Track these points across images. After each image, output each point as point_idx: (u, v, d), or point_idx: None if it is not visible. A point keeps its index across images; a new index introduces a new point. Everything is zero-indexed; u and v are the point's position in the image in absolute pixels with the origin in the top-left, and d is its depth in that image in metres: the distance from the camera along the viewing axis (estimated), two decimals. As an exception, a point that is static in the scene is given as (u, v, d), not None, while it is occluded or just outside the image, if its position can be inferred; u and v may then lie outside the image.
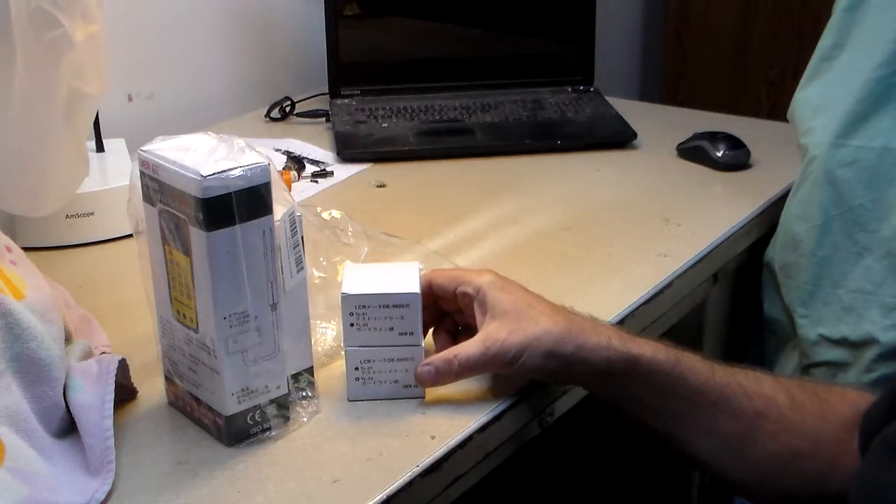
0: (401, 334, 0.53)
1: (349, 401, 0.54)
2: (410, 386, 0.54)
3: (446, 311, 0.57)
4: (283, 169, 0.90)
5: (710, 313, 0.81)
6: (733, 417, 0.49)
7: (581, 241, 0.76)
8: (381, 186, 0.89)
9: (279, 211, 0.50)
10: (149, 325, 0.55)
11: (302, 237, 0.53)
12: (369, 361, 0.54)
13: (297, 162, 0.92)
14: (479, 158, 0.95)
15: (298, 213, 0.52)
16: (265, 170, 0.50)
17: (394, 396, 0.54)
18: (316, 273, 0.61)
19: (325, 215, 0.68)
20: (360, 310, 0.53)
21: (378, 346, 0.53)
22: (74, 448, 0.48)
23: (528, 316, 0.51)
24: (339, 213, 0.68)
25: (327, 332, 0.59)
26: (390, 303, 0.53)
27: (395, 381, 0.54)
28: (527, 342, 0.51)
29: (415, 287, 0.54)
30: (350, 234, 0.67)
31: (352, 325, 0.53)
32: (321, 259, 0.62)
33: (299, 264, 0.53)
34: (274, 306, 0.51)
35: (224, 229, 0.48)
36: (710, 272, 0.77)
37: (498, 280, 0.54)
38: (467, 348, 0.52)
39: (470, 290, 0.54)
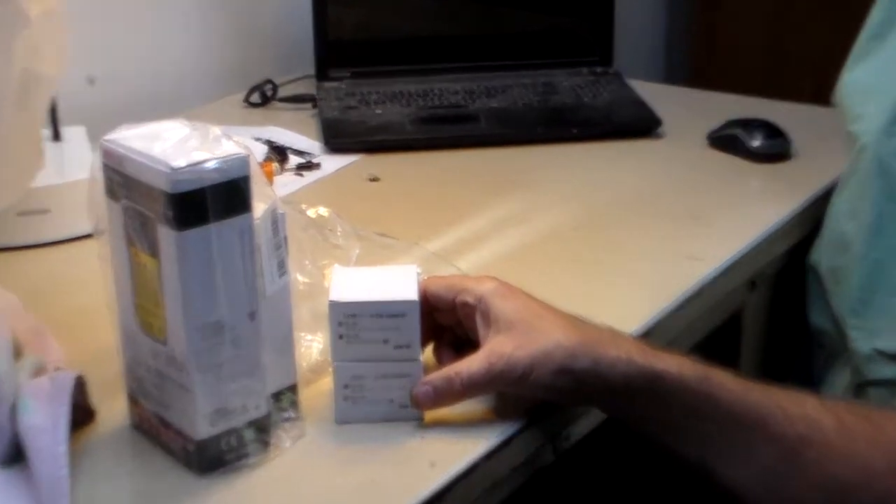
0: (396, 348, 0.53)
1: (338, 423, 0.54)
2: (407, 406, 0.53)
3: (443, 324, 0.57)
4: (264, 160, 0.90)
5: (746, 324, 0.81)
6: (772, 443, 0.49)
7: (598, 243, 0.76)
8: (374, 180, 0.88)
9: (259, 208, 0.50)
10: (110, 338, 0.54)
11: (285, 237, 0.53)
12: (360, 378, 0.54)
13: (279, 153, 0.92)
14: (483, 149, 0.94)
15: (281, 211, 0.52)
16: (244, 161, 0.49)
17: (388, 418, 0.54)
18: (300, 278, 0.61)
19: (312, 213, 0.67)
20: (349, 319, 0.53)
21: (370, 361, 0.54)
22: (22, 478, 0.48)
23: (537, 327, 0.52)
24: (327, 211, 0.68)
25: (313, 346, 0.59)
26: (385, 312, 0.53)
27: (390, 401, 0.54)
28: (536, 357, 0.51)
29: (412, 294, 0.54)
30: (339, 234, 0.67)
31: (341, 336, 0.53)
32: (306, 262, 0.62)
33: (282, 268, 0.53)
34: (253, 315, 0.51)
35: (197, 228, 0.48)
36: (746, 277, 0.77)
37: (502, 288, 0.54)
38: (470, 365, 0.52)
39: (470, 299, 0.54)
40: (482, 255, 0.74)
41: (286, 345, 0.54)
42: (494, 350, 0.52)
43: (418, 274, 0.56)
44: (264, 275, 0.51)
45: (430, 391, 0.52)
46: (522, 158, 0.93)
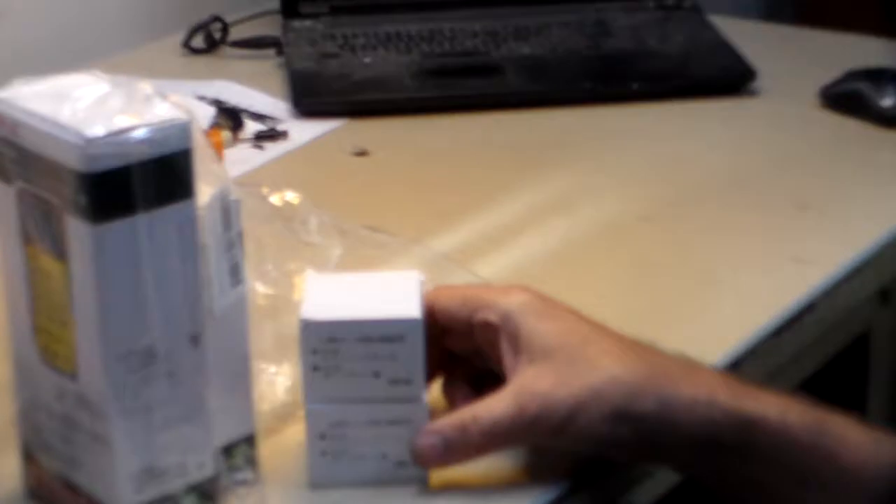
0: (392, 383, 0.54)
1: (312, 487, 0.54)
2: (407, 464, 0.53)
3: (456, 352, 0.57)
4: (211, 128, 0.91)
5: (876, 349, 0.81)
6: None
7: (671, 239, 0.76)
8: (361, 155, 0.89)
9: (205, 193, 0.50)
10: (0, 371, 0.55)
11: (240, 233, 0.53)
12: (343, 426, 0.54)
13: (232, 117, 0.93)
14: (511, 112, 0.94)
15: (235, 197, 0.52)
16: (183, 129, 0.50)
17: (380, 479, 0.54)
18: (261, 289, 0.61)
19: (276, 199, 0.68)
20: (328, 345, 0.53)
21: (357, 403, 0.54)
22: None
23: (584, 356, 0.52)
24: (297, 197, 0.68)
25: (278, 381, 0.60)
26: (376, 334, 0.53)
27: (384, 457, 0.54)
28: (583, 397, 0.52)
29: (414, 310, 0.54)
30: (314, 228, 0.67)
31: (316, 368, 0.54)
32: (269, 267, 0.62)
33: (236, 275, 0.53)
34: (196, 340, 0.51)
35: (120, 221, 0.48)
36: (875, 287, 0.77)
37: (536, 301, 0.55)
38: (492, 408, 0.53)
39: (494, 317, 0.55)
40: (509, 258, 0.74)
41: (241, 380, 0.54)
42: (526, 387, 0.52)
43: (422, 283, 0.56)
44: (212, 284, 0.51)
45: (437, 443, 0.53)
46: (564, 125, 0.93)
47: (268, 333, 0.60)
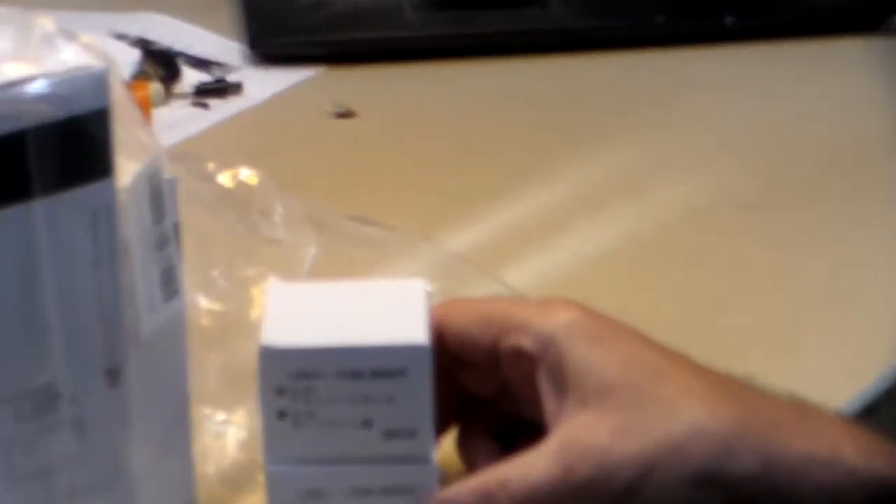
0: (389, 436, 0.54)
1: None
2: None
3: (477, 393, 0.58)
4: (137, 78, 0.92)
5: None
6: None
7: (781, 234, 0.78)
8: (343, 116, 0.90)
9: (128, 170, 0.50)
10: None
11: (176, 226, 0.53)
12: (319, 497, 0.54)
13: (164, 64, 0.94)
14: (555, 57, 0.95)
15: (170, 176, 0.52)
16: (98, 82, 0.50)
17: None
18: (206, 303, 0.61)
19: (226, 179, 0.69)
20: (299, 382, 0.54)
21: (339, 464, 0.54)
22: None
23: (657, 396, 0.53)
24: (256, 175, 0.69)
25: (228, 434, 0.61)
26: (367, 367, 0.53)
27: None
28: (657, 454, 0.52)
29: (419, 333, 0.54)
30: (279, 218, 0.68)
31: (282, 415, 0.54)
32: (216, 273, 0.63)
33: (170, 284, 0.53)
34: (114, 375, 0.51)
35: (8, 208, 0.48)
36: None
37: (587, 321, 0.55)
38: (528, 469, 0.53)
39: (529, 343, 0.55)
40: (549, 261, 0.75)
41: (177, 432, 0.55)
42: (576, 439, 0.53)
43: (429, 295, 0.56)
44: (137, 298, 0.51)
45: None
46: (629, 75, 0.94)
47: (215, 366, 0.60)
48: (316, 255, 0.67)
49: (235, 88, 0.93)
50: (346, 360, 0.53)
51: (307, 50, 0.96)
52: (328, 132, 0.89)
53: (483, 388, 0.57)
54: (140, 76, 0.91)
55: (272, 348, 0.54)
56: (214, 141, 0.87)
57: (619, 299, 0.58)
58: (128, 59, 0.93)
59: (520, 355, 0.55)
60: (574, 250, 0.76)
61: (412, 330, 0.54)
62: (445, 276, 0.70)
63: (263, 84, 0.93)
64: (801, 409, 0.53)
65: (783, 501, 0.51)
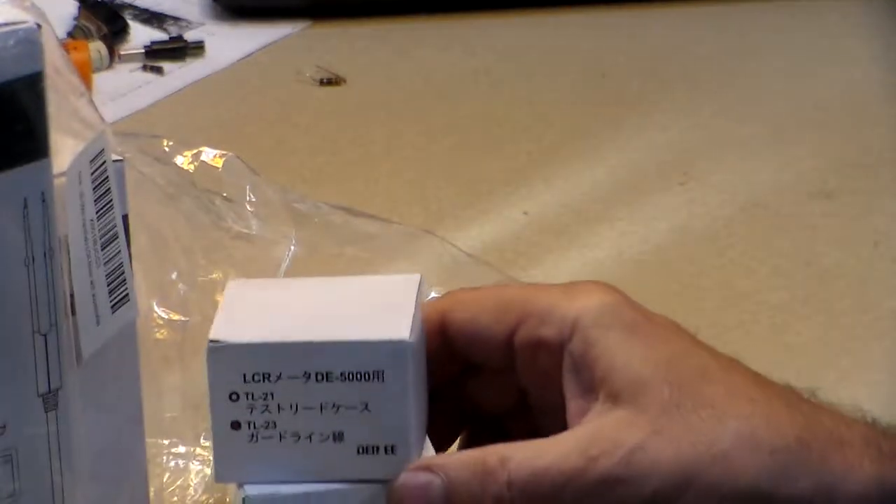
0: (364, 453, 0.54)
1: None
2: None
3: (490, 408, 0.58)
4: (73, 35, 0.92)
5: None
6: None
7: (865, 229, 0.78)
8: (330, 84, 0.90)
9: (66, 150, 0.50)
10: None
11: (125, 218, 0.53)
12: None
13: (107, 17, 0.94)
14: (585, 7, 0.96)
15: (116, 157, 0.52)
16: (28, 40, 0.50)
17: None
18: (162, 313, 0.61)
19: (186, 161, 0.69)
20: (257, 386, 0.54)
21: (303, 485, 0.54)
22: None
23: (702, 398, 0.53)
24: (221, 156, 0.70)
25: (190, 470, 0.62)
26: (335, 366, 0.54)
27: None
28: (696, 462, 0.52)
29: (401, 327, 0.54)
30: (250, 208, 0.69)
31: (236, 426, 0.54)
32: (173, 276, 0.63)
33: (118, 289, 0.54)
34: (51, 400, 0.51)
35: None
36: None
37: (622, 307, 0.56)
38: (539, 451, 0.53)
39: (552, 331, 0.55)
40: (581, 259, 0.75)
41: (128, 467, 0.55)
42: (602, 432, 0.53)
43: (422, 288, 0.56)
44: (77, 306, 0.52)
45: (434, 488, 0.53)
46: (679, 30, 0.94)
47: (173, 388, 0.61)
48: (295, 252, 0.67)
49: (196, 49, 0.92)
50: (311, 359, 0.53)
51: (285, 2, 0.96)
52: (310, 103, 0.89)
53: (496, 398, 0.57)
54: (77, 33, 0.91)
55: (223, 344, 0.54)
56: (171, 114, 0.87)
57: (663, 307, 0.58)
58: (62, 12, 0.93)
59: (540, 347, 0.55)
60: (610, 246, 0.76)
61: (393, 325, 0.54)
62: (452, 277, 0.70)
63: (230, 44, 0.93)
64: (871, 428, 0.53)
65: None
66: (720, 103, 0.88)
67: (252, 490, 0.54)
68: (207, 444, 0.60)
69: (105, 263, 0.53)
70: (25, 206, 0.50)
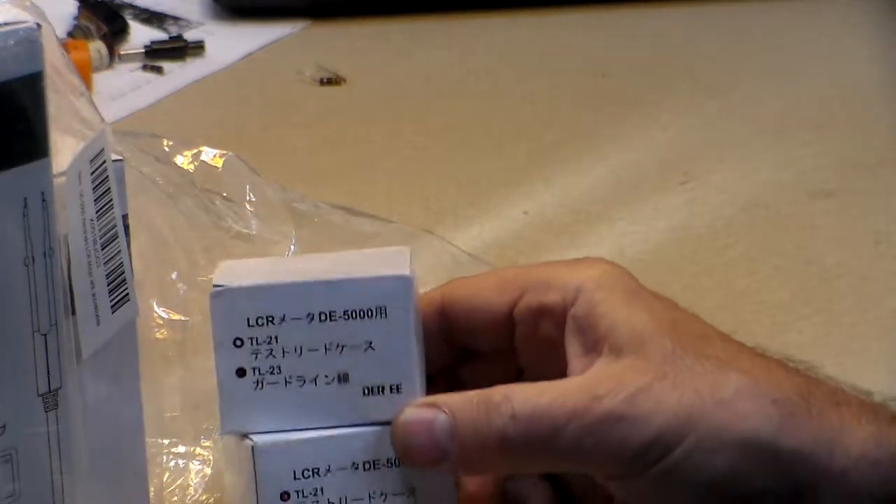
0: (369, 394, 0.54)
1: None
2: None
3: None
4: (73, 35, 0.92)
5: None
6: None
7: (862, 227, 0.78)
8: (329, 83, 0.90)
9: (66, 150, 0.50)
10: None
11: (126, 219, 0.53)
12: (310, 475, 0.55)
13: (107, 17, 0.94)
14: (586, 6, 0.96)
15: (116, 157, 0.52)
16: (28, 40, 0.50)
17: None
18: (162, 313, 0.61)
19: (186, 160, 0.69)
20: (262, 330, 0.54)
21: (310, 431, 0.55)
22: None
23: (703, 353, 0.54)
24: (221, 156, 0.70)
25: (190, 470, 0.62)
26: (338, 305, 0.54)
27: None
28: (700, 406, 0.52)
29: (402, 267, 0.55)
30: (250, 206, 0.68)
31: (241, 373, 0.54)
32: (173, 275, 0.63)
33: (118, 289, 0.54)
34: (52, 400, 0.51)
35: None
36: None
37: (622, 275, 0.57)
38: (543, 388, 0.54)
39: (555, 296, 0.56)
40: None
41: (128, 467, 0.55)
42: (607, 375, 0.53)
43: (410, 257, 0.57)
44: (77, 305, 0.52)
45: (438, 425, 0.53)
46: (681, 29, 0.94)
47: (173, 388, 0.61)
48: (295, 252, 0.67)
49: (196, 49, 0.92)
50: (314, 299, 0.54)
51: (285, 1, 0.96)
52: (310, 102, 0.89)
53: (493, 383, 0.56)
54: (77, 33, 0.91)
55: (226, 288, 0.54)
56: (171, 114, 0.86)
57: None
58: (62, 11, 0.92)
59: (542, 314, 0.56)
60: (611, 246, 0.76)
61: (393, 266, 0.54)
62: (452, 277, 0.68)
63: (230, 43, 0.93)
64: (867, 397, 0.54)
65: (845, 495, 0.52)
66: (721, 103, 0.88)
67: (259, 439, 0.54)
68: (208, 443, 0.61)
69: (105, 263, 0.53)
70: (25, 206, 0.50)
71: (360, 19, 0.96)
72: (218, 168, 0.69)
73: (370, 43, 0.94)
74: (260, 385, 0.54)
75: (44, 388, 0.51)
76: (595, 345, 0.54)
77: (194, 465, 0.61)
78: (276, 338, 0.54)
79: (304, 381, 0.54)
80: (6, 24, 0.48)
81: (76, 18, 0.93)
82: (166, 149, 0.68)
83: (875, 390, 0.59)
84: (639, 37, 0.95)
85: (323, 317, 0.54)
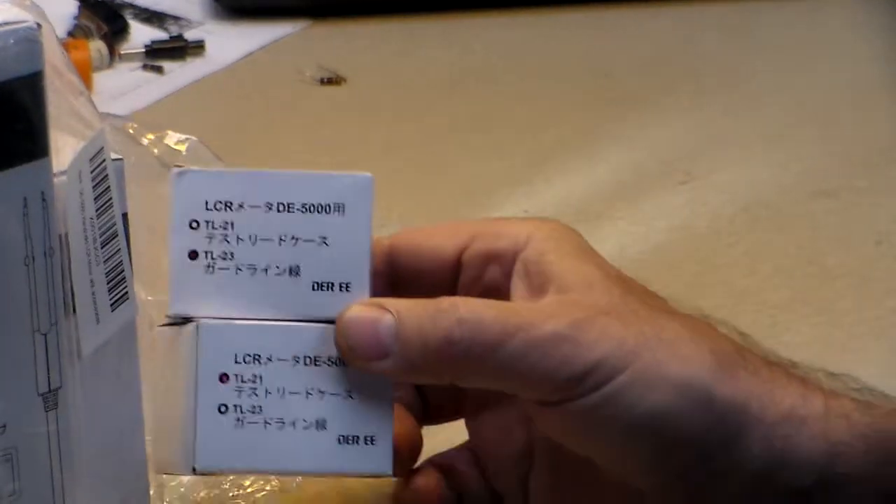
0: (318, 289, 0.55)
1: (198, 472, 0.55)
2: (360, 440, 0.55)
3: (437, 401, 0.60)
4: (73, 34, 0.91)
5: None
6: None
7: (865, 227, 0.78)
8: (329, 83, 0.90)
9: (66, 149, 0.50)
10: None
11: (125, 217, 0.53)
12: (251, 361, 0.55)
13: (107, 16, 0.94)
14: (588, 6, 0.96)
15: (118, 156, 0.53)
16: (28, 39, 0.50)
17: (307, 470, 0.56)
18: (162, 312, 0.59)
19: (149, 143, 0.68)
20: (218, 214, 0.55)
21: (258, 321, 0.55)
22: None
23: (646, 306, 0.55)
24: (185, 140, 0.69)
25: None
26: (297, 198, 0.55)
27: (315, 426, 0.55)
28: (643, 342, 0.53)
29: (363, 175, 0.55)
30: None
31: (194, 256, 0.55)
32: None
33: (118, 287, 0.53)
34: (52, 399, 0.51)
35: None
36: None
37: (573, 233, 0.58)
38: (496, 303, 0.54)
39: (505, 244, 0.57)
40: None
41: (129, 465, 0.55)
42: (556, 302, 0.54)
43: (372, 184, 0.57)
44: (77, 304, 0.51)
45: (383, 324, 0.54)
46: (684, 29, 0.94)
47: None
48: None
49: (196, 48, 0.92)
50: (274, 190, 0.54)
51: (285, 1, 0.96)
52: (310, 102, 0.88)
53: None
54: (77, 33, 0.91)
55: (189, 170, 0.55)
56: (171, 113, 0.86)
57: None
58: (62, 11, 0.92)
59: (491, 259, 0.57)
60: (611, 245, 0.76)
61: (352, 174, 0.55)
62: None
63: (231, 43, 0.93)
64: (763, 361, 0.55)
65: (775, 451, 0.52)
66: (722, 102, 0.88)
67: (204, 319, 0.55)
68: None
69: (105, 262, 0.53)
70: (25, 206, 0.50)
71: (361, 19, 0.95)
72: (182, 153, 0.68)
73: (370, 43, 0.93)
74: (211, 269, 0.55)
75: (44, 388, 0.51)
76: (541, 287, 0.55)
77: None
78: (232, 224, 0.54)
79: (256, 271, 0.54)
80: (6, 23, 0.48)
81: (76, 18, 0.92)
82: (131, 131, 0.68)
83: (875, 390, 0.59)
84: (640, 36, 0.95)
85: (281, 207, 0.54)
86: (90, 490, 0.53)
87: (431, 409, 0.60)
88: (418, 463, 0.58)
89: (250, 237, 0.54)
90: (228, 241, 0.54)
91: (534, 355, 0.52)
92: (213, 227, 0.54)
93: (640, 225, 0.78)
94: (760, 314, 0.72)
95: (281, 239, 0.54)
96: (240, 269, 0.54)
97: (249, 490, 0.61)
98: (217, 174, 0.55)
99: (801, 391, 0.53)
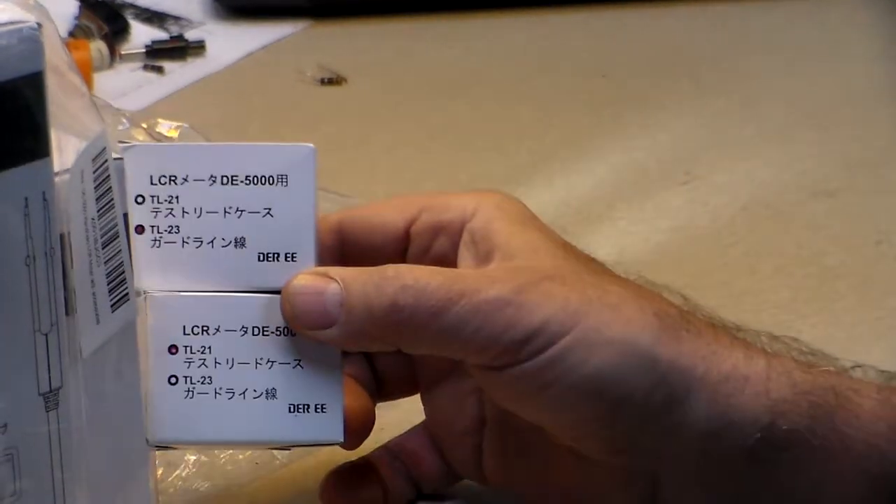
0: (264, 260, 0.55)
1: (151, 445, 0.56)
2: (311, 408, 0.55)
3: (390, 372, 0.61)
4: (74, 34, 0.91)
5: None
6: None
7: (866, 227, 0.78)
8: (330, 83, 0.90)
9: (67, 149, 0.51)
10: None
11: (126, 218, 0.53)
12: (200, 332, 0.55)
13: (108, 16, 0.94)
14: (588, 6, 0.96)
15: (118, 155, 0.53)
16: (30, 39, 0.50)
17: (251, 436, 0.56)
18: None
19: (141, 133, 0.69)
20: (165, 188, 0.55)
21: (207, 292, 0.55)
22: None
23: (590, 272, 0.56)
24: (177, 127, 0.71)
25: (186, 459, 0.62)
26: (241, 169, 0.55)
27: (266, 396, 0.55)
28: (585, 305, 0.54)
29: (305, 145, 0.56)
30: None
31: (139, 229, 0.55)
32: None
33: (118, 288, 0.53)
34: (52, 399, 0.51)
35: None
36: None
37: (518, 205, 0.58)
38: (441, 270, 0.55)
39: (453, 216, 0.58)
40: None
41: (131, 466, 0.55)
42: (500, 268, 0.55)
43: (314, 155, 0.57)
44: (78, 305, 0.51)
45: (329, 292, 0.54)
46: (683, 29, 0.94)
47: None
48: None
49: (197, 48, 0.92)
50: (218, 162, 0.55)
51: (286, 1, 0.96)
52: (311, 102, 0.88)
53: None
54: (78, 33, 0.91)
55: (133, 146, 0.55)
56: (171, 113, 0.85)
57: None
58: (63, 11, 0.92)
59: (439, 231, 0.58)
60: (612, 246, 0.76)
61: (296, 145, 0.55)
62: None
63: (231, 43, 0.93)
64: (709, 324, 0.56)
65: (720, 409, 0.53)
66: (722, 102, 0.88)
67: (153, 292, 0.55)
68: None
69: (105, 262, 0.53)
70: (26, 206, 0.50)
71: (361, 19, 0.95)
72: (174, 139, 0.68)
73: (371, 43, 0.93)
74: (157, 243, 0.55)
75: (45, 388, 0.51)
76: (487, 255, 0.55)
77: (191, 456, 0.62)
78: (178, 197, 0.55)
79: (202, 243, 0.55)
80: (8, 23, 0.48)
81: (77, 18, 0.92)
82: (125, 121, 0.68)
83: (818, 351, 0.59)
84: (640, 36, 0.95)
85: (225, 180, 0.54)
86: (90, 490, 0.53)
87: (385, 385, 0.61)
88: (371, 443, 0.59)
89: (195, 210, 0.55)
90: (174, 215, 0.55)
91: (477, 320, 0.53)
92: (158, 202, 0.55)
93: (640, 225, 0.78)
94: (761, 314, 0.72)
95: (226, 211, 0.55)
96: (186, 242, 0.55)
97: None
98: (160, 148, 0.55)
99: (744, 352, 0.54)
